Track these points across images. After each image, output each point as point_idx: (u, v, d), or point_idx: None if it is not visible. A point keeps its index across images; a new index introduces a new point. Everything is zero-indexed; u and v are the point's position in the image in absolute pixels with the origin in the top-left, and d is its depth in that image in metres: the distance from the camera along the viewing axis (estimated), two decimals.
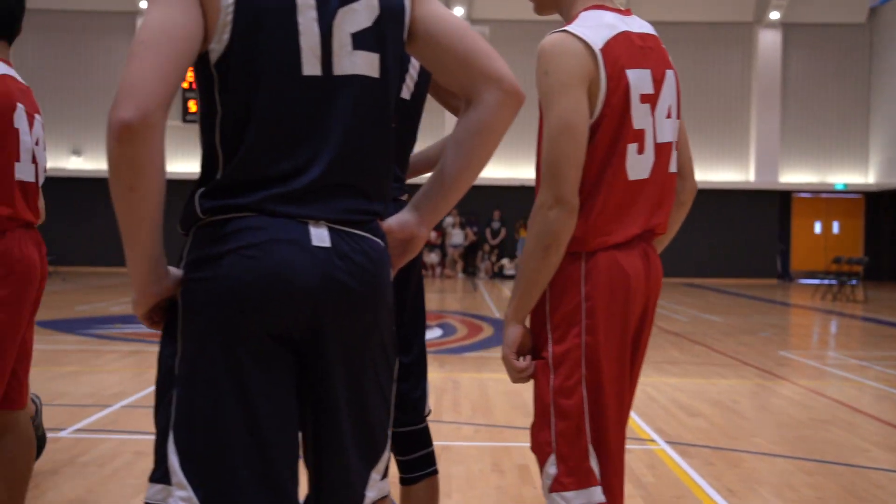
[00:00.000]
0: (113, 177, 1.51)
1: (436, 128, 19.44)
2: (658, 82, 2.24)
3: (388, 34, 1.71)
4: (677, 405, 6.55)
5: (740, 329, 11.97)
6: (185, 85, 21.32)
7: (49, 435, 5.09)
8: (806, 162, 24.00)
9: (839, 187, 23.82)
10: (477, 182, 1.96)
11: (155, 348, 8.44)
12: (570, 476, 2.21)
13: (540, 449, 2.26)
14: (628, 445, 3.12)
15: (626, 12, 2.27)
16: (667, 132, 2.27)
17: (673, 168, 2.33)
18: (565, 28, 2.16)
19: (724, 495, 4.31)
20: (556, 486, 2.22)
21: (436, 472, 2.61)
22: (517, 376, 2.26)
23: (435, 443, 2.73)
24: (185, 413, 1.61)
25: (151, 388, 6.81)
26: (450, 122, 19.45)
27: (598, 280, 2.18)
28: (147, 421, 5.75)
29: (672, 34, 21.79)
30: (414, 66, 2.46)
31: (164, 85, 1.50)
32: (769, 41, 23.72)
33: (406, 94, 2.45)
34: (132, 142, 1.47)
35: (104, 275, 21.45)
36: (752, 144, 23.81)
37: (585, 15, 2.19)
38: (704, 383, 7.63)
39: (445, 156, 1.82)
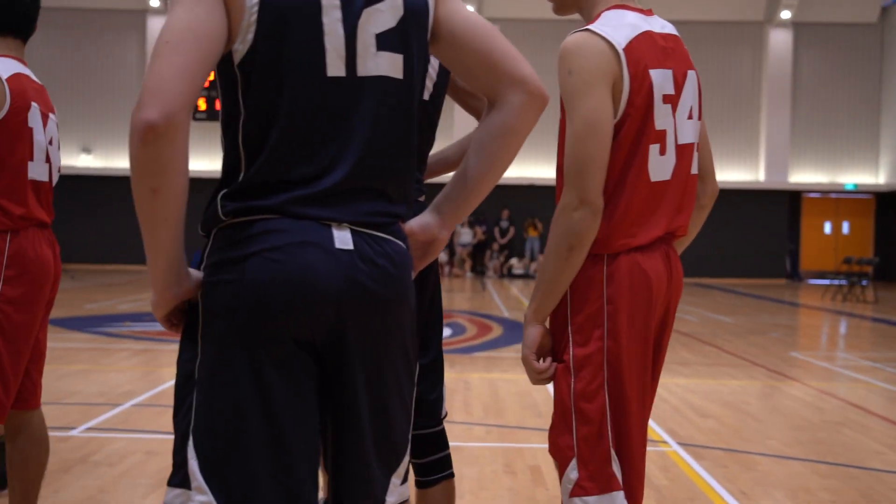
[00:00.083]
0: (136, 178, 1.49)
1: (445, 128, 19.41)
2: (679, 83, 2.21)
3: (412, 35, 1.69)
4: (689, 406, 6.52)
5: (750, 329, 11.93)
6: None
7: (60, 434, 5.09)
8: (816, 162, 23.91)
9: (849, 187, 23.72)
10: None
11: (164, 346, 8.52)
12: (592, 481, 2.19)
13: (560, 453, 2.24)
14: None
15: (648, 12, 2.24)
16: (688, 133, 2.25)
17: (694, 170, 2.31)
18: (588, 27, 2.14)
19: (739, 498, 4.29)
20: (578, 490, 2.20)
21: (452, 475, 2.59)
22: (537, 378, 2.24)
23: None
24: (205, 417, 1.60)
25: (161, 388, 6.84)
26: (458, 121, 19.43)
27: (621, 283, 2.15)
28: (158, 420, 5.76)
29: (682, 33, 21.51)
30: (433, 66, 2.44)
31: (188, 85, 1.48)
32: (780, 40, 23.63)
33: (425, 94, 2.43)
34: (156, 143, 1.46)
35: (113, 272, 21.49)
36: (761, 144, 23.73)
37: (608, 14, 2.17)
38: (715, 384, 7.59)
39: (468, 158, 1.80)
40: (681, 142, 2.23)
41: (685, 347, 9.80)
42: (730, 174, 23.37)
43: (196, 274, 1.65)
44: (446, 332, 10.65)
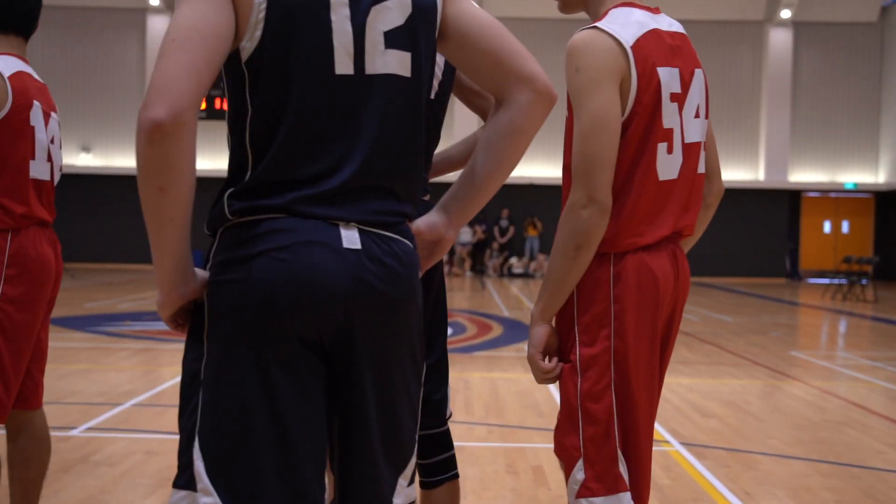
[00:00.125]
0: (142, 177, 1.48)
1: (445, 126, 19.37)
2: (686, 81, 2.20)
3: (420, 32, 1.67)
4: (691, 406, 6.51)
5: (750, 329, 11.92)
6: None
7: (60, 434, 5.08)
8: (816, 161, 23.91)
9: (849, 186, 23.71)
10: None
11: (164, 346, 8.51)
12: (599, 482, 2.18)
13: (566, 453, 2.22)
14: None
15: (656, 10, 2.23)
16: (695, 132, 2.24)
17: (701, 169, 2.29)
18: (596, 24, 2.13)
19: (742, 498, 4.28)
20: (584, 491, 2.19)
21: (457, 475, 2.58)
22: (543, 377, 2.23)
23: None
24: (210, 418, 1.58)
25: (162, 387, 6.83)
26: (458, 119, 19.42)
27: (628, 282, 2.14)
28: (158, 420, 5.74)
29: None
30: (438, 65, 2.43)
31: (196, 84, 1.47)
32: (780, 40, 23.62)
33: (430, 93, 2.41)
34: (163, 142, 1.44)
35: (112, 272, 21.47)
36: (761, 143, 23.73)
37: (615, 12, 2.16)
38: (717, 384, 7.58)
39: (475, 157, 1.79)
40: (688, 140, 2.22)
41: (686, 346, 9.80)
42: (729, 173, 23.36)
43: (202, 274, 1.64)
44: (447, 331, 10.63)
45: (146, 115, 1.44)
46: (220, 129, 20.67)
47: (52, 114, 3.21)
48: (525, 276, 22.76)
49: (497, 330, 11.15)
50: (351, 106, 1.61)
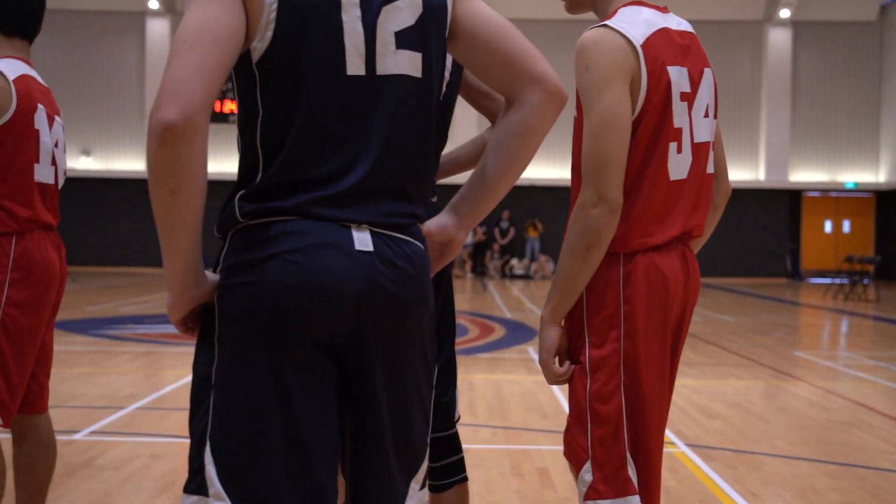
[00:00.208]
0: (153, 179, 1.47)
1: None
2: (696, 80, 2.19)
3: (431, 33, 1.66)
4: (695, 407, 6.49)
5: (753, 329, 11.91)
6: None
7: (64, 437, 5.06)
8: (816, 160, 23.90)
9: (850, 186, 23.70)
10: None
11: (167, 349, 8.50)
12: (607, 484, 2.16)
13: (575, 455, 2.21)
14: None
15: (664, 9, 2.22)
16: (704, 132, 2.23)
17: (710, 169, 2.28)
18: (605, 23, 2.11)
19: (749, 499, 4.26)
20: (592, 493, 2.17)
21: (466, 478, 2.57)
22: (555, 380, 2.21)
23: None
24: (222, 421, 1.57)
25: (164, 391, 6.81)
26: (458, 120, 19.40)
27: (638, 283, 2.13)
28: (161, 423, 5.73)
29: None
30: (446, 66, 2.41)
31: (207, 85, 1.45)
32: (779, 39, 23.62)
33: (441, 94, 2.40)
34: (174, 144, 1.43)
35: (114, 275, 21.45)
36: (761, 143, 23.72)
37: (624, 11, 2.15)
38: (720, 384, 7.57)
39: (485, 158, 1.78)
40: (697, 140, 2.21)
41: (689, 347, 9.78)
42: (730, 174, 23.28)
43: (212, 276, 1.63)
44: None
45: (157, 117, 1.43)
46: (224, 131, 20.67)
47: (56, 117, 3.20)
48: (526, 277, 22.75)
49: (499, 331, 11.14)
50: (362, 107, 1.60)
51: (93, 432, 5.40)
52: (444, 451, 2.51)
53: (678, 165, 2.17)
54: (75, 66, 23.21)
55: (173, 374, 7.64)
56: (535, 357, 8.84)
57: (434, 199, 2.46)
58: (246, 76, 1.58)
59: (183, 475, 4.46)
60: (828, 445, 5.39)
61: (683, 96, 2.15)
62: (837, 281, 19.34)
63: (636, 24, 2.11)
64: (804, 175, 23.86)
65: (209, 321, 1.63)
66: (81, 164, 23.00)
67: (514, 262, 23.23)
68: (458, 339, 10.01)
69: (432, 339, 1.72)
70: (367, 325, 1.59)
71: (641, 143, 2.11)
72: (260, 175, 1.58)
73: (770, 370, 8.38)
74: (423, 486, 1.76)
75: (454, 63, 2.41)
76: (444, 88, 2.40)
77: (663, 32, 2.14)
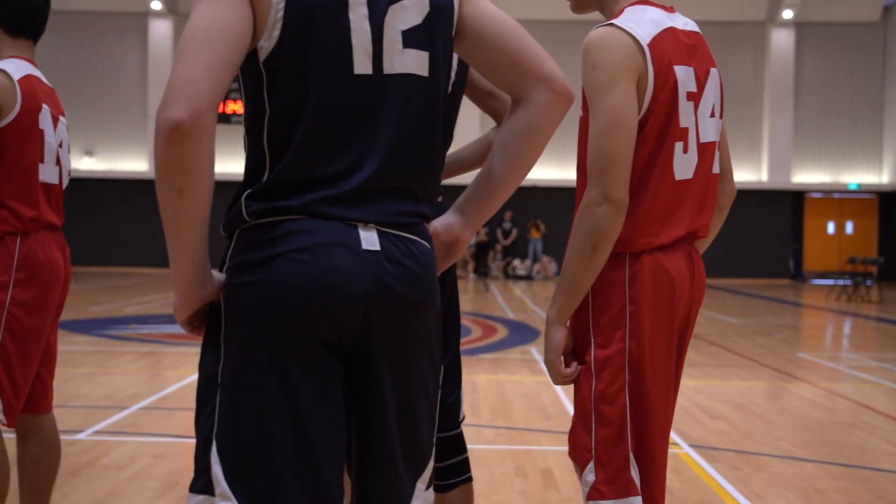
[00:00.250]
0: (161, 178, 1.46)
1: None
2: (702, 80, 2.19)
3: (438, 32, 1.66)
4: (699, 408, 6.49)
5: (756, 330, 11.90)
6: None
7: (67, 437, 5.06)
8: (819, 162, 23.87)
9: (853, 187, 23.68)
10: None
11: (170, 349, 8.49)
12: (609, 484, 2.16)
13: (579, 455, 2.20)
14: None
15: (670, 9, 2.22)
16: (710, 132, 2.22)
17: (716, 169, 2.28)
18: (612, 22, 2.11)
19: (753, 500, 4.25)
20: (594, 494, 2.17)
21: (470, 478, 2.56)
22: (561, 380, 2.21)
23: None
24: (229, 421, 1.57)
25: (168, 391, 6.82)
26: (462, 121, 19.36)
27: (643, 283, 2.12)
28: (164, 423, 5.73)
29: None
30: (451, 66, 2.41)
31: (215, 84, 1.45)
32: (782, 40, 23.60)
33: (448, 93, 2.39)
34: (182, 143, 1.43)
35: (116, 275, 21.47)
36: (764, 144, 23.70)
37: (630, 10, 2.14)
38: (724, 385, 7.56)
39: (492, 157, 1.78)
40: (703, 140, 2.20)
41: (692, 348, 9.77)
42: (733, 174, 23.32)
43: (219, 276, 1.63)
44: None
45: (165, 116, 1.42)
46: (227, 132, 20.66)
47: (61, 118, 3.20)
48: (528, 278, 22.75)
49: (502, 332, 11.14)
50: (369, 106, 1.60)
51: (96, 432, 5.40)
52: (449, 450, 2.50)
53: (684, 165, 2.16)
54: (78, 66, 23.23)
55: (176, 374, 7.64)
56: (539, 358, 8.83)
57: (440, 199, 2.46)
58: (253, 75, 1.58)
59: (186, 475, 4.46)
60: (832, 447, 5.38)
61: (690, 96, 2.14)
62: (840, 282, 19.31)
63: (643, 22, 2.11)
64: (807, 176, 23.84)
65: (215, 320, 1.62)
66: (84, 164, 23.03)
67: (517, 262, 23.22)
68: (461, 340, 10.05)
69: (439, 339, 1.71)
70: (374, 325, 1.59)
71: (648, 142, 2.11)
72: (267, 174, 1.58)
73: (773, 371, 8.37)
74: (428, 486, 1.76)
75: (459, 62, 2.41)
76: (450, 88, 2.40)
77: (670, 32, 2.13)
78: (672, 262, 2.16)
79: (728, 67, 23.53)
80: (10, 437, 3.33)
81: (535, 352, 9.31)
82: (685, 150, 2.16)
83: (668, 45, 2.11)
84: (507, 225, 23.36)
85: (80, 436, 5.27)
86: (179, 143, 1.43)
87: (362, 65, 1.59)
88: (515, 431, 5.65)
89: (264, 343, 1.55)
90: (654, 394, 2.16)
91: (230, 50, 1.49)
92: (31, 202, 3.05)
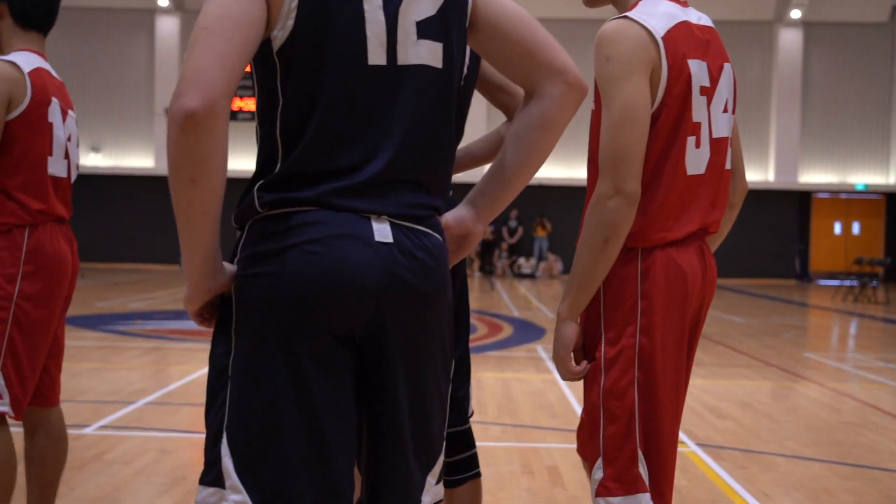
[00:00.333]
0: (174, 168, 1.45)
1: None
2: (715, 75, 2.17)
3: (452, 23, 1.65)
4: (705, 407, 6.47)
5: (762, 330, 11.87)
6: None
7: (73, 432, 5.06)
8: (826, 162, 23.81)
9: (860, 188, 23.61)
10: None
11: (175, 345, 8.49)
12: (617, 481, 2.14)
13: (588, 452, 2.19)
14: None
15: (684, 3, 2.20)
16: (722, 127, 2.21)
17: (728, 165, 2.26)
18: (626, 14, 2.10)
19: (761, 500, 4.24)
20: (602, 490, 2.15)
21: (479, 474, 2.55)
22: (570, 376, 2.19)
23: None
24: (239, 413, 1.56)
25: (173, 386, 6.82)
26: (469, 116, 19.34)
27: (656, 278, 2.11)
28: (170, 418, 5.73)
29: None
30: (465, 57, 2.39)
31: (228, 73, 1.44)
32: (790, 40, 23.54)
33: (461, 85, 2.38)
34: (196, 132, 1.42)
35: (121, 271, 21.50)
36: (771, 144, 23.64)
37: (644, 3, 2.13)
38: (730, 385, 7.54)
39: (504, 150, 1.76)
40: (715, 135, 2.19)
41: (698, 348, 9.73)
42: None
43: (230, 267, 1.62)
44: None
45: (179, 105, 1.41)
46: (232, 128, 20.66)
47: (70, 112, 3.20)
48: (533, 276, 22.73)
49: (507, 330, 11.12)
50: (383, 97, 1.59)
51: (102, 427, 5.41)
52: (458, 445, 2.49)
53: (696, 160, 2.14)
54: (85, 63, 23.26)
55: (182, 369, 7.64)
56: (544, 356, 8.82)
57: (450, 193, 2.44)
58: (266, 65, 1.57)
59: (192, 470, 4.47)
60: (839, 446, 5.36)
61: (703, 90, 2.13)
62: (847, 283, 19.26)
63: (657, 15, 2.09)
64: (814, 176, 23.77)
65: (226, 312, 1.61)
66: (90, 160, 23.06)
67: (522, 261, 23.21)
68: None
69: (451, 332, 1.70)
70: (386, 317, 1.58)
71: (661, 136, 2.09)
72: (279, 165, 1.57)
73: (780, 371, 8.35)
74: (438, 481, 1.75)
75: (471, 55, 2.40)
76: (462, 81, 2.38)
77: (684, 25, 2.12)
78: (684, 258, 2.14)
79: (735, 67, 23.06)
80: (17, 430, 3.33)
81: (541, 350, 9.30)
82: (697, 145, 2.14)
83: (682, 39, 2.10)
84: (512, 223, 23.34)
85: (87, 430, 5.27)
86: (193, 131, 1.42)
87: (376, 55, 1.57)
88: (522, 429, 5.64)
89: (276, 335, 1.54)
90: (664, 390, 2.15)
91: (244, 39, 1.48)
92: (40, 195, 3.04)
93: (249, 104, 22.17)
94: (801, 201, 23.96)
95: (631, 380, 2.12)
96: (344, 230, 1.54)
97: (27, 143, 2.99)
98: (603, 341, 2.15)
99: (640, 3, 2.14)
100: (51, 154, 3.08)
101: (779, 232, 23.66)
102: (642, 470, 2.15)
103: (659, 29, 2.07)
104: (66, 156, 3.16)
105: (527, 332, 11.00)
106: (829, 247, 24.23)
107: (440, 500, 1.77)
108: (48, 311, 3.10)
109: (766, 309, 15.41)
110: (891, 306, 16.41)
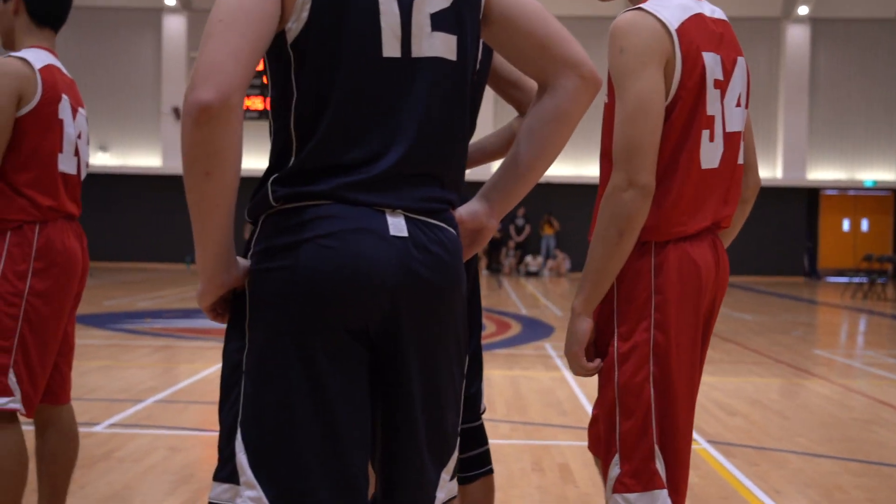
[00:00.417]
0: (188, 161, 1.45)
1: None
2: (729, 69, 2.15)
3: (466, 15, 1.64)
4: (715, 404, 6.45)
5: (771, 328, 11.83)
6: None
7: (83, 430, 5.06)
8: (834, 158, 23.72)
9: (868, 184, 23.52)
10: None
11: (185, 343, 8.50)
12: (634, 477, 2.13)
13: (603, 448, 2.18)
14: None
15: None
16: (736, 121, 2.19)
17: (741, 160, 2.25)
18: (640, 6, 2.08)
19: (773, 496, 4.22)
20: (619, 487, 2.14)
21: (491, 470, 2.54)
22: (583, 372, 2.18)
23: None
24: (254, 409, 1.55)
25: (183, 384, 6.82)
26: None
27: (670, 273, 2.09)
28: (180, 417, 5.74)
29: None
30: (479, 50, 2.38)
31: (243, 66, 1.44)
32: (797, 36, 23.45)
33: (475, 77, 2.37)
34: (210, 124, 1.41)
35: (129, 270, 21.54)
36: (779, 141, 23.57)
37: None
38: (741, 382, 7.52)
39: (517, 144, 1.75)
40: (728, 129, 2.17)
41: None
42: None
43: (243, 262, 1.61)
44: None
45: (193, 98, 1.41)
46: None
47: (80, 109, 3.19)
48: (537, 274, 22.71)
49: (515, 328, 11.11)
50: (397, 89, 1.58)
51: (112, 425, 5.41)
52: (471, 442, 2.48)
53: (710, 154, 2.13)
54: (92, 62, 23.29)
55: (191, 367, 7.65)
56: (553, 354, 8.80)
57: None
58: (280, 58, 1.56)
59: (202, 468, 4.47)
60: (850, 443, 5.33)
61: (717, 84, 2.11)
62: (856, 280, 19.19)
63: (671, 7, 2.08)
64: (822, 173, 23.68)
65: (240, 307, 1.60)
66: (98, 159, 23.11)
67: (529, 259, 23.18)
68: None
69: (465, 326, 1.70)
70: (401, 312, 1.57)
71: (675, 128, 2.08)
72: (293, 158, 1.56)
73: (789, 368, 8.32)
74: (452, 477, 1.74)
75: (484, 49, 2.39)
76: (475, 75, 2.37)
77: (698, 18, 2.10)
78: (698, 252, 2.13)
79: None
80: (28, 428, 3.33)
81: (550, 347, 9.29)
82: (712, 139, 2.13)
83: (697, 31, 2.08)
84: (520, 221, 23.32)
85: (97, 428, 5.27)
86: (207, 124, 1.41)
87: (391, 47, 1.56)
88: (532, 427, 5.63)
89: (290, 329, 1.53)
90: (679, 385, 2.13)
91: (258, 31, 1.47)
92: (50, 191, 3.04)
93: (256, 103, 22.19)
94: (809, 198, 23.87)
95: (646, 375, 2.11)
96: (360, 224, 1.53)
97: (37, 140, 2.99)
98: (616, 336, 2.13)
99: None
100: (61, 151, 3.08)
101: (787, 229, 23.58)
102: (659, 466, 2.13)
103: (673, 21, 2.06)
104: (76, 153, 3.16)
105: (535, 329, 10.99)
106: (838, 244, 24.14)
107: (454, 497, 1.76)
108: (58, 307, 3.09)
109: (775, 306, 15.37)
110: None
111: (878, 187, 23.65)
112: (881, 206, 24.18)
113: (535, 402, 6.41)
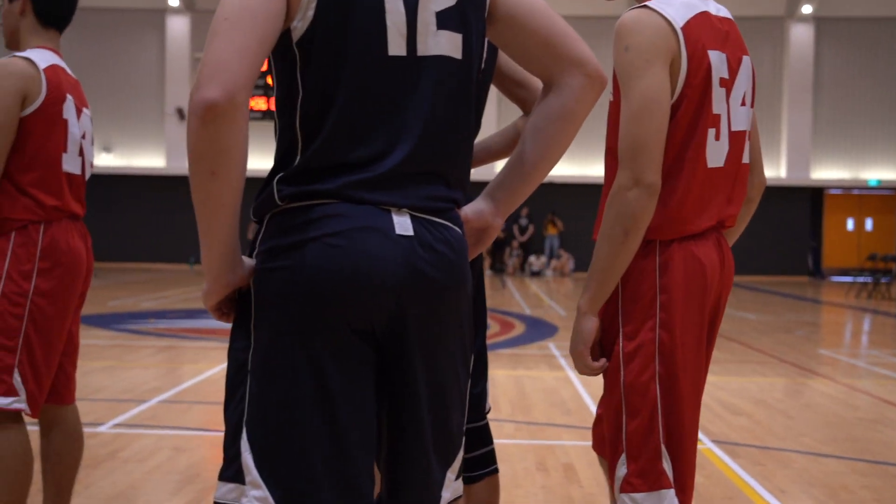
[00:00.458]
0: (194, 160, 1.44)
1: None
2: (734, 68, 2.15)
3: (471, 14, 1.63)
4: (720, 403, 6.44)
5: (775, 327, 11.81)
6: None
7: (88, 430, 5.05)
8: (838, 158, 23.68)
9: (872, 183, 23.47)
10: None
11: (188, 343, 8.50)
12: (641, 477, 2.12)
13: (609, 448, 2.17)
14: None
15: None
16: (741, 120, 2.19)
17: (746, 159, 2.24)
18: (645, 4, 2.07)
19: (778, 496, 4.21)
20: (626, 486, 2.13)
21: (496, 470, 2.54)
22: (588, 371, 2.17)
23: None
24: (259, 408, 1.54)
25: (187, 384, 6.83)
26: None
27: (675, 272, 2.08)
28: (184, 417, 5.74)
29: None
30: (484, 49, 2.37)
31: (249, 64, 1.43)
32: (801, 35, 23.42)
33: (480, 76, 2.36)
34: (216, 123, 1.41)
35: (133, 270, 21.57)
36: (783, 140, 23.53)
37: None
38: (745, 381, 7.51)
39: (523, 143, 1.75)
40: (734, 128, 2.16)
41: None
42: None
43: (248, 261, 1.60)
44: None
45: (199, 96, 1.40)
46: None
47: (85, 109, 3.19)
48: (539, 274, 22.70)
49: (519, 328, 11.11)
50: (403, 88, 1.57)
51: (116, 425, 5.42)
52: (476, 442, 2.48)
53: (716, 153, 2.12)
54: (95, 63, 23.32)
55: (195, 368, 7.65)
56: (557, 353, 8.80)
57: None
58: (286, 56, 1.56)
59: (207, 468, 4.47)
60: (855, 443, 5.32)
61: (722, 82, 2.11)
62: (860, 279, 19.16)
63: (676, 5, 2.07)
64: (826, 172, 23.64)
65: (245, 307, 1.60)
66: (102, 160, 23.14)
67: (533, 259, 23.17)
68: None
69: (470, 325, 1.69)
70: (407, 311, 1.57)
71: (681, 127, 2.07)
72: (299, 157, 1.56)
73: (794, 367, 8.30)
74: (458, 477, 1.73)
75: (489, 47, 2.38)
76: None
77: (704, 16, 2.10)
78: (703, 251, 2.12)
79: None
80: (33, 428, 3.33)
81: (554, 347, 9.28)
82: (717, 138, 2.12)
83: (702, 30, 2.08)
84: (523, 221, 23.30)
85: (101, 428, 5.28)
86: (213, 123, 1.41)
87: (396, 46, 1.56)
88: (536, 426, 5.62)
89: (295, 329, 1.52)
90: (685, 384, 2.12)
91: (264, 29, 1.47)
92: (54, 191, 3.04)
93: (260, 103, 22.20)
94: (813, 197, 23.84)
95: (652, 374, 2.11)
96: (366, 223, 1.53)
97: (42, 140, 2.99)
98: (621, 335, 2.13)
99: None
100: (65, 151, 3.08)
101: (791, 228, 23.54)
102: (666, 465, 2.13)
103: (678, 19, 2.05)
104: (81, 153, 3.16)
105: (539, 329, 10.98)
106: (842, 243, 24.10)
107: (459, 496, 1.75)
108: (63, 307, 3.09)
109: (779, 306, 15.35)
110: None
111: (883, 186, 23.61)
112: (885, 206, 24.13)
113: (540, 401, 6.41)
